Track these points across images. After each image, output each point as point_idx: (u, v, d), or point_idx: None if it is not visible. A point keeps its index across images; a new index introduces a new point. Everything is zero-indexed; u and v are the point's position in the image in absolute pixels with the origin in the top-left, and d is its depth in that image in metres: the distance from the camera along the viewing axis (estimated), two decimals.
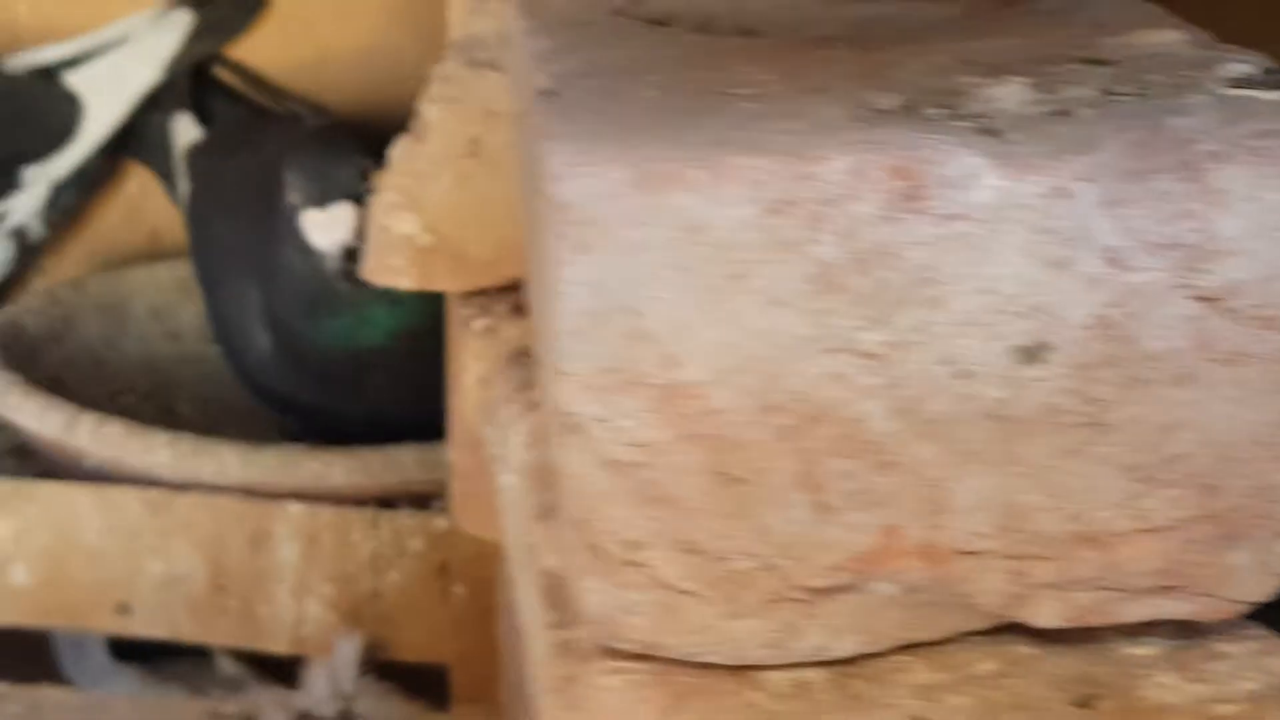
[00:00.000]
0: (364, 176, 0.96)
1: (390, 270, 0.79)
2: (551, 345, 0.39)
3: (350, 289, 0.97)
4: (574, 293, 0.37)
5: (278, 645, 0.98)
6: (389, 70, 1.26)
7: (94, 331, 1.20)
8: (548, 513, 0.50)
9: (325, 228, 0.95)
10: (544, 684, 0.45)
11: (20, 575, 0.99)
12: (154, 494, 0.98)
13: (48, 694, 0.92)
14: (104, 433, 0.99)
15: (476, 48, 0.77)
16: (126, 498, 0.98)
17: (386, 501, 0.99)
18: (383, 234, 0.78)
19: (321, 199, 0.95)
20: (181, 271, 1.26)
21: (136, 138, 1.23)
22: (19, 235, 1.19)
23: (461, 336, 0.77)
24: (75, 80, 1.20)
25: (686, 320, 0.37)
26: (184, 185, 1.20)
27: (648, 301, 0.37)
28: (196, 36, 1.23)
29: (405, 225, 0.78)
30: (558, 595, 0.48)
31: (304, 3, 1.25)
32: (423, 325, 0.99)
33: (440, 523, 0.98)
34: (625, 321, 0.37)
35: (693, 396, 0.37)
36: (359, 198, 0.95)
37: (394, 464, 0.98)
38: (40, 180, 1.18)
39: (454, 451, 0.81)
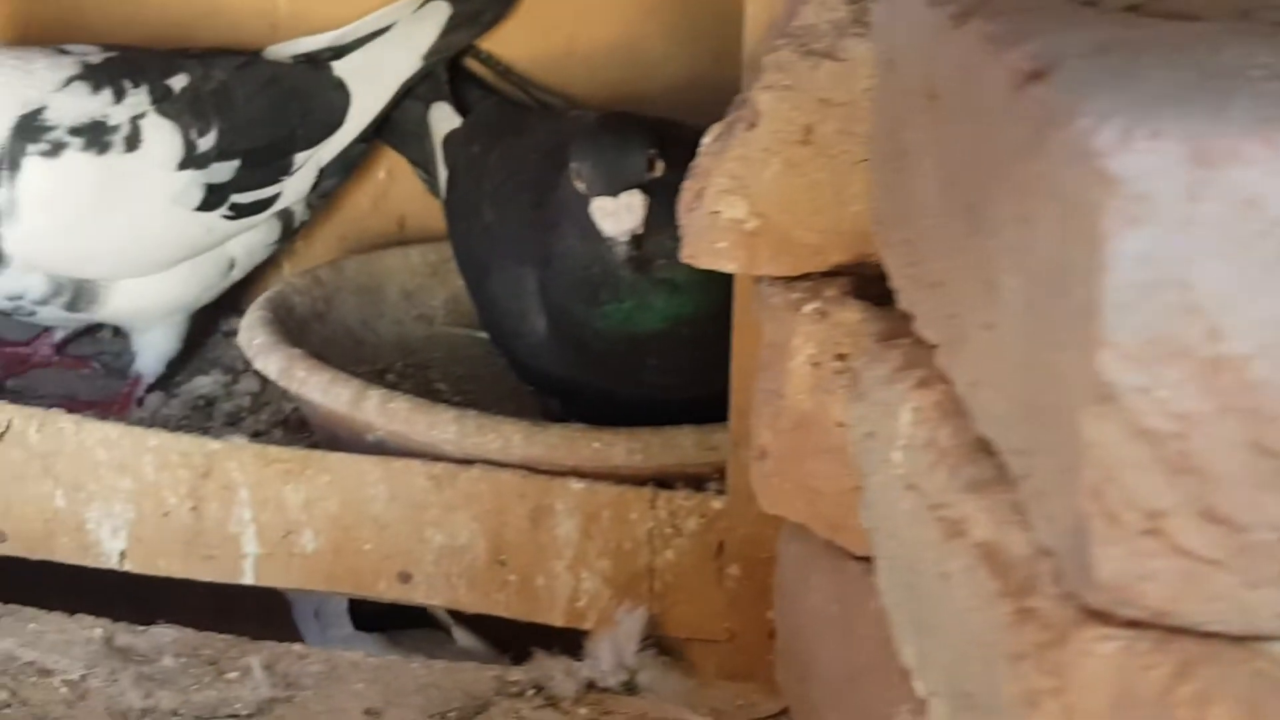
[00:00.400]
0: (650, 165, 0.98)
1: (715, 253, 0.80)
2: (1082, 317, 0.41)
3: (633, 276, 0.99)
4: (1122, 265, 0.39)
5: (553, 618, 1.01)
6: (635, 65, 1.28)
7: (352, 312, 1.24)
8: (981, 485, 0.51)
9: (615, 216, 0.97)
10: (1008, 650, 0.46)
11: (309, 541, 1.02)
12: (438, 468, 1.01)
13: (342, 656, 0.95)
14: (391, 408, 1.02)
15: (809, 37, 0.78)
16: (412, 471, 1.01)
17: (662, 481, 1.01)
18: (710, 218, 0.79)
19: (612, 187, 0.97)
20: (432, 256, 1.30)
21: (392, 125, 1.27)
22: (285, 217, 1.23)
23: (787, 320, 0.78)
24: (341, 69, 1.23)
25: (1234, 293, 0.38)
26: (443, 173, 1.23)
27: (1196, 274, 0.38)
28: (452, 28, 1.26)
29: (734, 210, 0.80)
30: (1000, 564, 0.50)
31: None
32: (699, 312, 1.01)
33: (716, 503, 0.99)
34: (1173, 294, 0.38)
35: (1234, 369, 0.39)
36: (646, 186, 0.97)
37: (672, 445, 1.00)
38: (309, 165, 1.22)
39: (763, 432, 0.83)
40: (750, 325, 0.93)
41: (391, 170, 1.32)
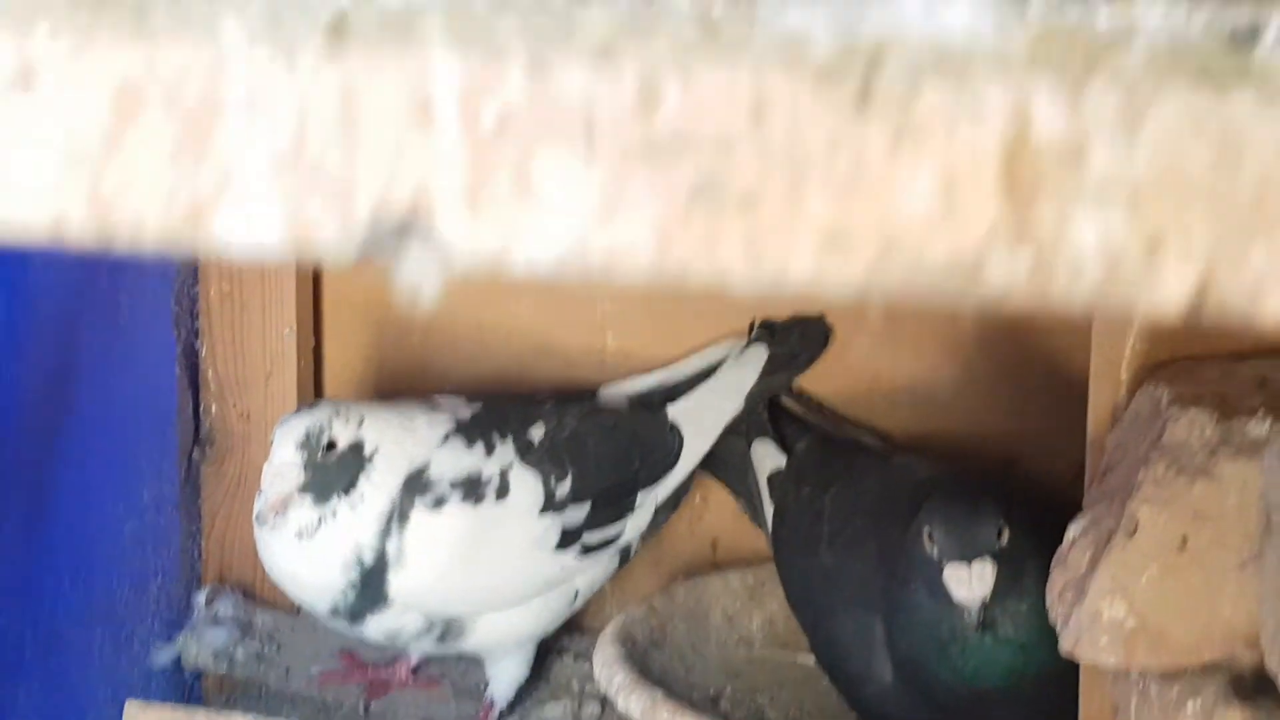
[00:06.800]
0: (999, 535, 1.07)
1: (1097, 649, 0.88)
2: None
3: (979, 636, 1.07)
4: None
5: None
6: (935, 404, 1.37)
7: (683, 637, 1.33)
8: None
9: (966, 583, 1.05)
10: None
11: None
12: None
13: None
14: None
15: (1182, 454, 0.87)
16: None
17: None
18: (1093, 617, 0.88)
19: (965, 554, 1.06)
20: (750, 579, 1.39)
21: (715, 458, 1.38)
22: (624, 551, 1.34)
23: (1168, 715, 0.85)
24: (674, 412, 1.35)
25: None
26: (769, 507, 1.33)
27: None
28: (771, 370, 1.37)
29: (1114, 610, 0.88)
30: None
31: (862, 337, 1.38)
32: (1042, 671, 1.08)
33: None
34: None
35: None
36: (995, 554, 1.06)
37: None
38: (648, 503, 1.33)
39: None
40: (1096, 692, 1.00)
41: (705, 496, 1.42)
